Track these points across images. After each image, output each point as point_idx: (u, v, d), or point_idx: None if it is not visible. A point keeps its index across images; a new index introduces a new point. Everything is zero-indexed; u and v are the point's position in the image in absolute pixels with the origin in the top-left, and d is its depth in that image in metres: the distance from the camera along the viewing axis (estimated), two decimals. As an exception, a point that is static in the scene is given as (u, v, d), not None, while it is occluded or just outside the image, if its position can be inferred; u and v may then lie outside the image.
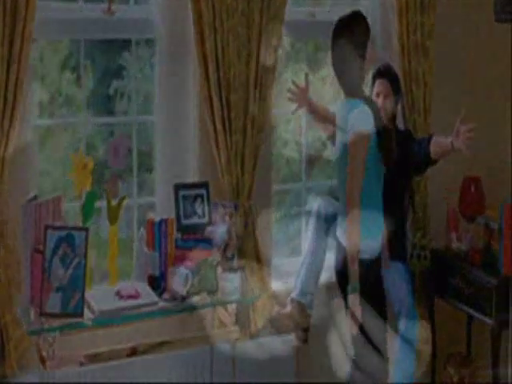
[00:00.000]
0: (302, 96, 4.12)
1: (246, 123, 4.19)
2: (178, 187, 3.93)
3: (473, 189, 4.65)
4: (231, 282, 3.77)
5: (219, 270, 3.77)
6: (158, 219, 3.80)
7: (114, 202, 3.71)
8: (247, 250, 4.23)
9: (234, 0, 4.08)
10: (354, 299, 3.62)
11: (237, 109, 4.15)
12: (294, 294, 4.25)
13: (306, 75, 4.13)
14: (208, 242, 3.82)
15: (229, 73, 4.11)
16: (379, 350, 3.77)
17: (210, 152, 4.19)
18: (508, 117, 4.97)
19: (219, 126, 4.12)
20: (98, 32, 4.11)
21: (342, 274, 3.74)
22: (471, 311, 4.48)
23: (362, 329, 3.70)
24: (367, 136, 3.61)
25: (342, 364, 4.01)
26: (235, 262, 3.88)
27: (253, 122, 4.20)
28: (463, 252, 4.61)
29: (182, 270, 3.65)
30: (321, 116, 4.17)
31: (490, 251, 4.52)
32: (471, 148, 3.78)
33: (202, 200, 3.95)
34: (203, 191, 3.95)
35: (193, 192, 3.94)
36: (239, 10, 4.10)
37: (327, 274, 4.22)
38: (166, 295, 3.65)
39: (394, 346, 4.19)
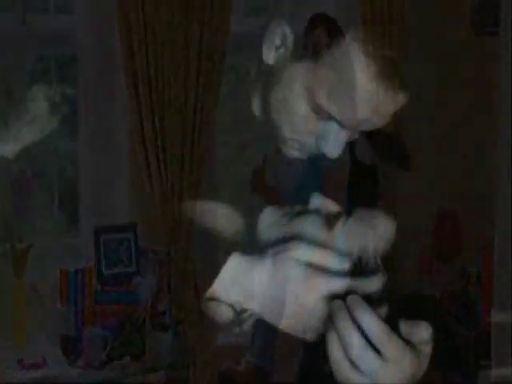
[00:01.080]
0: (259, 181, 3.49)
1: (184, 152, 3.60)
2: (98, 231, 3.31)
3: (448, 226, 4.23)
4: (163, 343, 3.21)
5: (148, 327, 3.18)
6: (73, 268, 3.20)
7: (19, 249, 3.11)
8: (186, 302, 3.63)
9: (168, 8, 3.50)
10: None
11: (172, 136, 3.55)
12: (250, 355, 3.66)
13: (265, 156, 3.49)
14: (134, 295, 3.23)
15: (163, 94, 3.52)
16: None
17: (142, 187, 3.60)
18: (488, 144, 4.40)
19: (152, 156, 3.53)
20: (10, 45, 3.55)
21: None
22: (446, 369, 3.91)
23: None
24: None
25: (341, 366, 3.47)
26: (168, 318, 3.29)
27: (192, 151, 3.61)
28: (437, 298, 4.12)
29: (100, 331, 3.05)
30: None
31: (468, 297, 4.07)
32: None
33: (129, 245, 3.34)
34: (130, 235, 3.34)
35: (117, 236, 3.32)
36: (175, 20, 3.52)
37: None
38: (81, 361, 3.05)
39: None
